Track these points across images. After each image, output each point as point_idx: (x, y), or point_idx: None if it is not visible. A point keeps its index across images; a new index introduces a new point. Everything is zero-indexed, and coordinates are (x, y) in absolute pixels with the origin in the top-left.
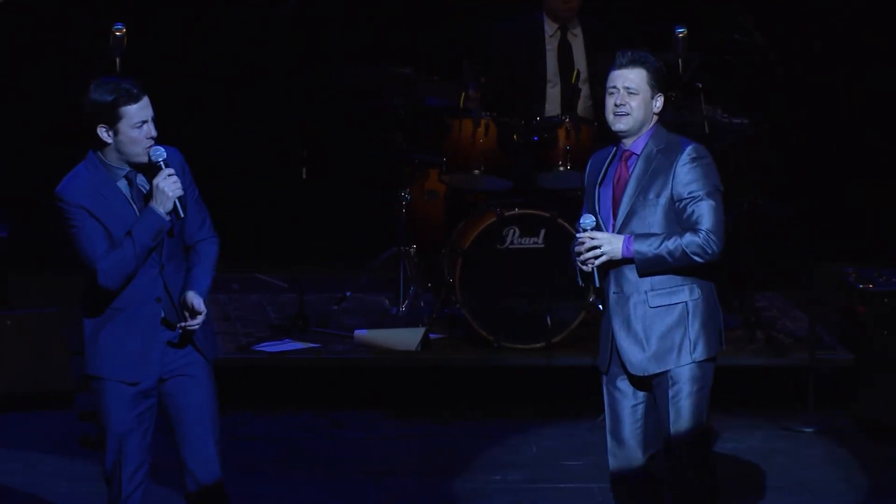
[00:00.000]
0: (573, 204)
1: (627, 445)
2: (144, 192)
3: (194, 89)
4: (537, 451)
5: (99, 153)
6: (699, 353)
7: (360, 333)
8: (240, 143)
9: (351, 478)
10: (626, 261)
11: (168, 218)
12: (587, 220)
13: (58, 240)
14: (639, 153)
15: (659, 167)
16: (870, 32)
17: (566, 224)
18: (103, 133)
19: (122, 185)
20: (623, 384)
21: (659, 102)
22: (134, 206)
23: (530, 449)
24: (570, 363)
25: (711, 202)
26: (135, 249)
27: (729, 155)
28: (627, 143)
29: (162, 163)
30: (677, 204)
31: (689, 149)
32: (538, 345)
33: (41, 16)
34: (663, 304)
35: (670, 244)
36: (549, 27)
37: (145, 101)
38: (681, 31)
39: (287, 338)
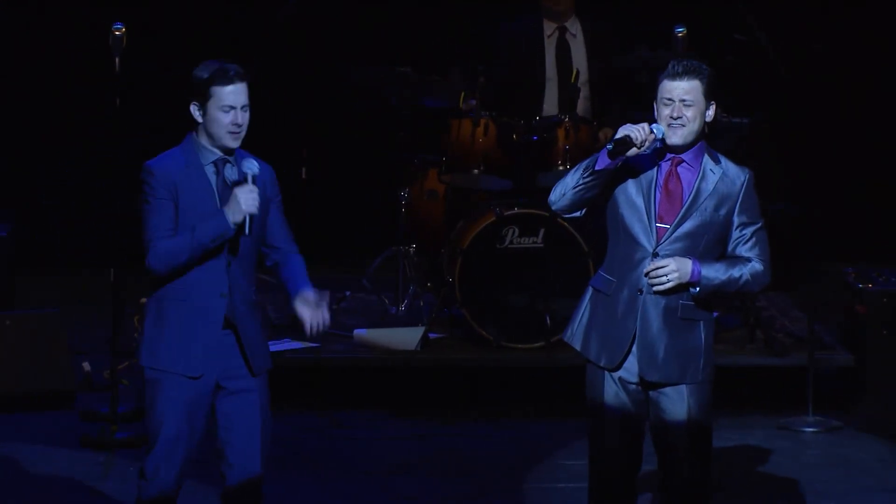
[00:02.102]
0: None
1: (623, 445)
2: (229, 182)
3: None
4: (537, 450)
5: (194, 134)
6: (709, 373)
7: (360, 333)
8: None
9: (350, 477)
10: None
11: (233, 228)
12: (658, 127)
13: (59, 240)
14: (693, 164)
15: (724, 184)
16: (871, 33)
17: (565, 224)
18: (194, 110)
19: (210, 170)
20: (631, 385)
21: (711, 111)
22: (216, 193)
23: (530, 448)
24: (570, 362)
25: (765, 233)
26: (191, 244)
27: (729, 155)
28: (682, 149)
29: (250, 176)
30: (736, 227)
31: (750, 174)
32: (538, 344)
33: (41, 16)
34: (689, 317)
35: (735, 272)
36: (547, 27)
37: (240, 86)
38: (680, 31)
39: (287, 337)
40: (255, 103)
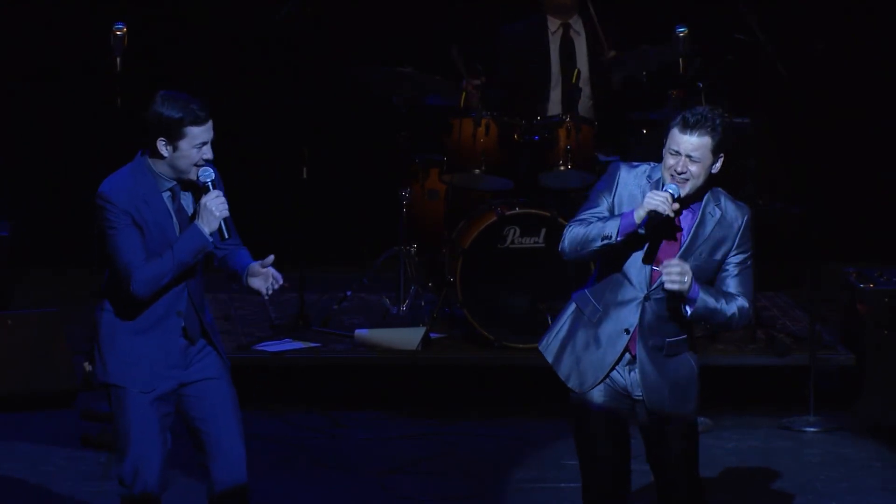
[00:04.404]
0: (574, 203)
1: (611, 446)
2: (185, 207)
3: (194, 89)
4: (538, 450)
5: (148, 160)
6: (698, 401)
7: (361, 333)
8: (240, 142)
9: (351, 477)
10: (666, 304)
11: (211, 238)
12: (675, 187)
13: (59, 240)
14: (694, 207)
15: (721, 228)
16: (871, 32)
17: (567, 223)
18: (162, 146)
19: (166, 196)
20: (609, 406)
21: (719, 164)
22: (174, 220)
23: (531, 448)
24: None
25: (752, 270)
26: (174, 264)
27: (730, 155)
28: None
29: (210, 184)
30: (728, 263)
31: (748, 214)
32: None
33: (41, 16)
34: (675, 353)
35: (726, 305)
36: (552, 24)
37: (210, 123)
38: (682, 31)
39: (288, 337)
40: (256, 103)
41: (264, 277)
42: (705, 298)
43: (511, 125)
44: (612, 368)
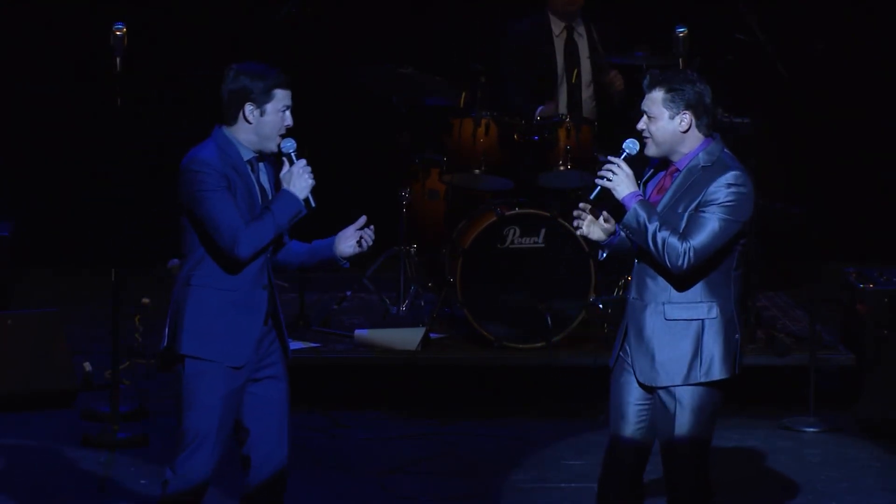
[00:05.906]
0: (574, 203)
1: (626, 444)
2: (263, 182)
3: (195, 89)
4: (538, 450)
5: (228, 131)
6: (714, 373)
7: (361, 333)
8: None
9: (351, 477)
10: (650, 263)
11: (304, 206)
12: (632, 144)
13: (59, 240)
14: (682, 168)
15: (698, 182)
16: (871, 32)
17: (566, 223)
18: (249, 111)
19: (248, 168)
20: (629, 385)
21: (684, 121)
22: (258, 190)
23: (531, 448)
24: (571, 362)
25: (716, 225)
26: (274, 227)
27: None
28: (675, 157)
29: (293, 154)
30: (689, 212)
31: (730, 174)
32: (538, 344)
33: (41, 16)
34: (679, 317)
35: (658, 231)
36: (556, 26)
37: (290, 90)
38: (681, 31)
39: (288, 338)
40: None
41: (354, 237)
42: (639, 211)
43: (511, 125)
44: (626, 335)
